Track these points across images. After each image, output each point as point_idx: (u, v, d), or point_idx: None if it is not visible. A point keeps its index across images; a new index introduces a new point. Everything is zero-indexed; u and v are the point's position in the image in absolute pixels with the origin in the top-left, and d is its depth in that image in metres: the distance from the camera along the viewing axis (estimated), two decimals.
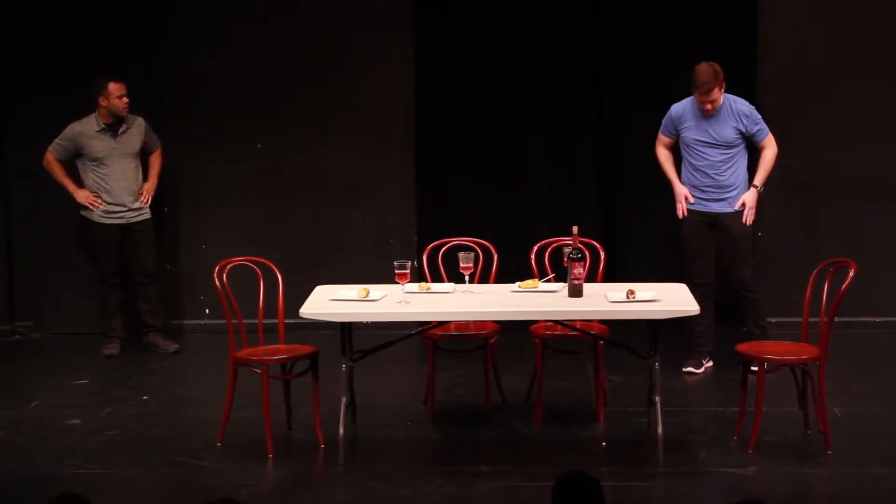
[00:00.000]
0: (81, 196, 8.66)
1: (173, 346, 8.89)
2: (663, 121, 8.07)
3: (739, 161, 7.97)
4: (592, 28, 9.31)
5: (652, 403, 6.71)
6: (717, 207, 7.96)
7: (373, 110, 9.20)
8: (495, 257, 7.46)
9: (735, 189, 7.95)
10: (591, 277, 7.07)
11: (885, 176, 9.07)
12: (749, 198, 7.93)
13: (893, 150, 9.05)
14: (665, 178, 8.15)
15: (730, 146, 7.89)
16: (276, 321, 6.97)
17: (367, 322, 8.05)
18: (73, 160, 8.69)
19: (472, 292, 6.81)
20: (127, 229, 8.73)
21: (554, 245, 7.47)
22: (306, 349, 6.89)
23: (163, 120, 9.04)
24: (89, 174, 8.67)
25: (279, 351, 6.92)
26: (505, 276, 7.30)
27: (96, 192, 8.66)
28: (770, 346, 7.01)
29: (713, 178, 7.93)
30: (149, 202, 8.79)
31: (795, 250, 8.99)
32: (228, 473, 6.49)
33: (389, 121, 9.22)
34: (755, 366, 6.71)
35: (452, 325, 7.24)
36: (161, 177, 8.88)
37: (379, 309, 6.57)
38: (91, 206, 8.65)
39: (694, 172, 7.99)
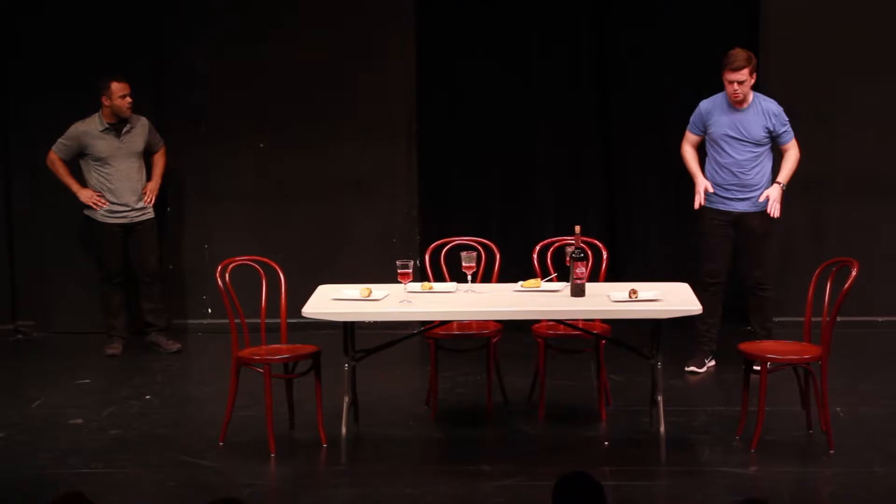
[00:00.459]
0: (85, 196, 8.66)
1: (176, 346, 8.89)
2: (691, 118, 8.01)
3: (765, 161, 7.91)
4: (596, 27, 9.30)
5: (654, 403, 6.70)
6: (741, 207, 7.91)
7: (375, 110, 9.19)
8: (498, 257, 7.46)
9: (759, 189, 7.87)
10: (593, 277, 7.08)
11: (890, 173, 9.05)
12: (773, 192, 7.86)
13: None
14: (686, 176, 8.07)
15: (758, 144, 7.84)
16: (279, 321, 6.97)
17: (369, 321, 8.05)
18: (77, 160, 8.69)
19: (474, 292, 6.81)
20: (130, 229, 8.74)
21: (556, 244, 7.47)
22: (309, 349, 6.89)
23: (166, 119, 9.05)
24: (93, 174, 8.67)
25: (281, 350, 6.92)
26: (507, 276, 7.30)
27: (100, 192, 8.66)
28: (772, 345, 7.01)
29: (738, 177, 7.87)
30: (152, 202, 8.79)
31: (798, 249, 8.98)
32: (231, 473, 6.50)
33: (392, 120, 9.22)
34: (758, 365, 6.70)
35: (455, 325, 7.24)
36: (164, 176, 8.89)
37: (381, 308, 6.57)
38: (95, 206, 8.66)
39: (719, 170, 7.93)
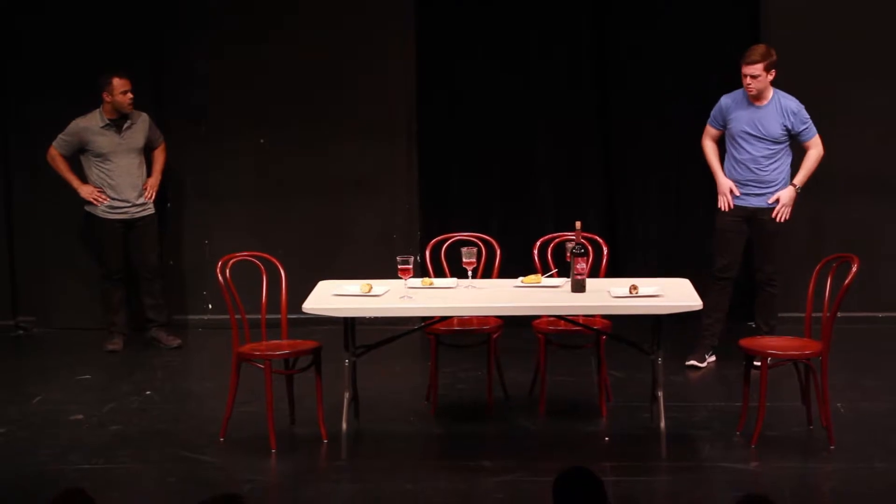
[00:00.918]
0: (86, 191, 8.67)
1: (176, 342, 8.89)
2: (712, 112, 8.01)
3: (783, 159, 7.91)
4: (596, 27, 9.30)
5: (655, 398, 6.70)
6: (755, 202, 7.91)
7: (375, 109, 9.20)
8: (498, 252, 7.47)
9: (776, 186, 7.88)
10: (593, 272, 7.07)
11: (890, 173, 9.06)
12: (785, 195, 7.87)
13: None
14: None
15: (775, 142, 7.83)
16: (279, 316, 6.98)
17: (369, 317, 8.04)
18: (77, 155, 8.70)
19: (474, 287, 6.80)
20: (130, 224, 8.75)
21: (557, 240, 7.47)
22: (309, 344, 6.89)
23: (166, 119, 9.05)
24: (93, 170, 8.68)
25: (282, 346, 6.92)
26: (508, 272, 7.30)
27: (100, 188, 8.67)
28: (773, 340, 7.01)
29: (754, 173, 7.87)
30: (153, 197, 8.80)
31: (799, 249, 8.97)
32: (231, 468, 6.50)
33: (392, 120, 9.22)
34: (758, 361, 6.70)
35: (455, 321, 7.25)
36: (165, 172, 8.89)
37: (382, 304, 6.57)
38: (95, 202, 8.66)
39: (736, 166, 7.93)
